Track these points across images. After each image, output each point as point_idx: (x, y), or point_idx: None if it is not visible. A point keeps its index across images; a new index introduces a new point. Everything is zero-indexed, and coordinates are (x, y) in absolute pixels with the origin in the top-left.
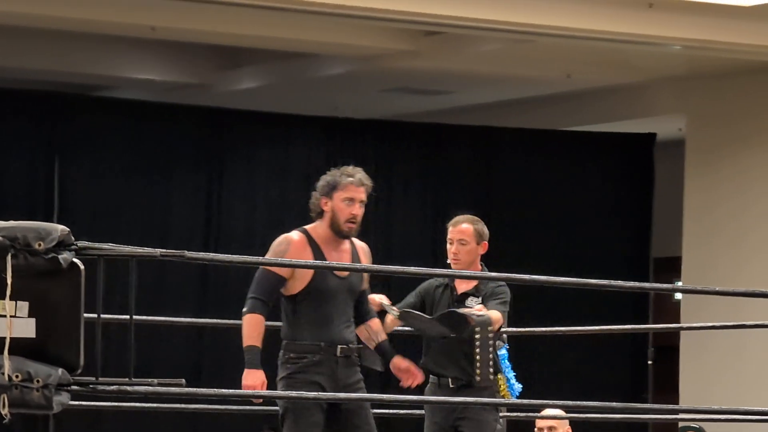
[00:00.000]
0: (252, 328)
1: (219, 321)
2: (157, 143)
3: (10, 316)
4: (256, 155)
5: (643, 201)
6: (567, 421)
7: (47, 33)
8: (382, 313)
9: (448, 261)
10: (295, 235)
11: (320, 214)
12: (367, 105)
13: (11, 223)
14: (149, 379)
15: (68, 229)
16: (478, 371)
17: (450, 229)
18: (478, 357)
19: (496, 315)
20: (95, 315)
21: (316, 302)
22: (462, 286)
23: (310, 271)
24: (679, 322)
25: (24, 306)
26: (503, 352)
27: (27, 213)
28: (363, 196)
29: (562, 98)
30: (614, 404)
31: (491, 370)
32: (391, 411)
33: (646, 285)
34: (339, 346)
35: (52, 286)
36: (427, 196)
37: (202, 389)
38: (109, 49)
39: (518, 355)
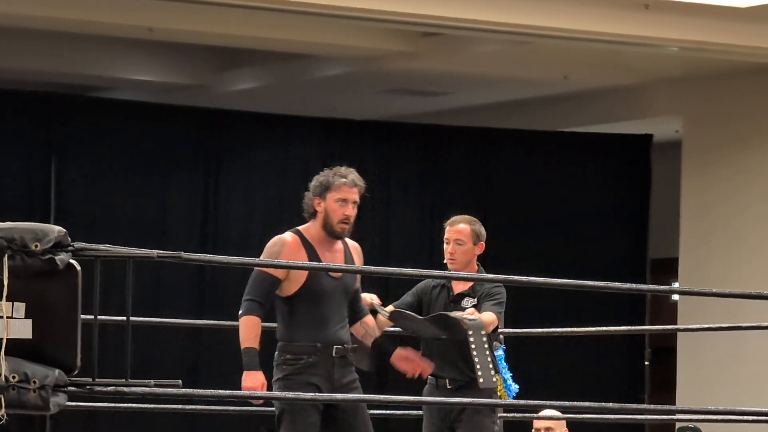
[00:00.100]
0: (249, 330)
1: (216, 322)
2: (154, 144)
3: (7, 317)
4: (253, 156)
5: (640, 202)
6: (564, 422)
7: (44, 34)
8: (373, 313)
9: (445, 261)
10: (288, 236)
11: (313, 214)
12: (365, 106)
13: (8, 224)
14: (146, 380)
15: (65, 230)
16: (479, 374)
17: (447, 228)
18: (476, 360)
19: (489, 317)
20: (92, 316)
21: (312, 303)
22: (458, 287)
23: (305, 272)
24: (676, 323)
25: (21, 307)
26: (500, 352)
27: (24, 214)
28: (356, 197)
29: (559, 99)
30: (611, 405)
31: (493, 372)
32: (387, 411)
33: (643, 286)
34: (335, 347)
35: (49, 287)
36: (425, 196)
37: (198, 390)
38: (106, 50)
39: (515, 356)
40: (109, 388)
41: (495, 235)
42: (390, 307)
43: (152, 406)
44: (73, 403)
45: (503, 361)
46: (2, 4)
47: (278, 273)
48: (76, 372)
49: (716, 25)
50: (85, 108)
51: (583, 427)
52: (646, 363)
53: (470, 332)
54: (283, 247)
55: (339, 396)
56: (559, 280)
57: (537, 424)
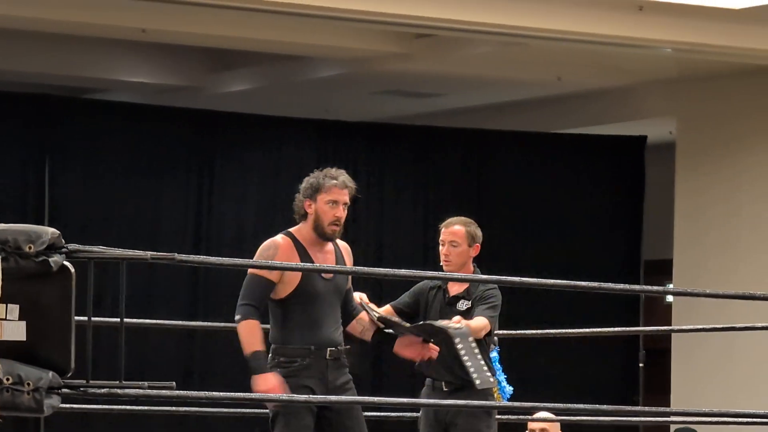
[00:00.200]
0: (251, 334)
1: (210, 324)
2: (148, 146)
3: (1, 319)
4: (247, 157)
5: (634, 203)
6: (558, 424)
7: (37, 36)
8: None
9: (441, 263)
10: (280, 238)
11: (304, 216)
12: (358, 107)
13: (2, 225)
14: (140, 382)
15: (59, 232)
16: (474, 377)
17: (442, 230)
18: (469, 365)
19: (481, 323)
20: (86, 318)
21: (305, 305)
22: (454, 289)
23: (298, 274)
24: (670, 325)
25: (14, 309)
26: (494, 354)
27: (18, 216)
28: (346, 199)
29: (552, 101)
30: (605, 407)
31: (488, 373)
32: (382, 413)
33: (637, 287)
34: (328, 349)
35: (42, 289)
36: (419, 198)
37: (192, 392)
38: (99, 51)
39: (510, 358)
40: (102, 390)
41: (488, 237)
42: (387, 307)
43: (146, 407)
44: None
45: (497, 363)
46: None
47: (272, 276)
48: (70, 374)
49: (710, 27)
50: (78, 109)
51: (578, 429)
52: (641, 365)
53: (456, 340)
54: (277, 250)
55: (333, 398)
56: (552, 281)
57: (531, 425)
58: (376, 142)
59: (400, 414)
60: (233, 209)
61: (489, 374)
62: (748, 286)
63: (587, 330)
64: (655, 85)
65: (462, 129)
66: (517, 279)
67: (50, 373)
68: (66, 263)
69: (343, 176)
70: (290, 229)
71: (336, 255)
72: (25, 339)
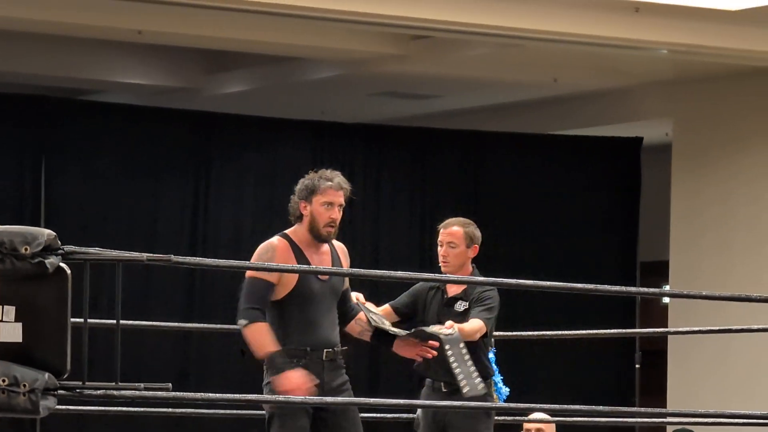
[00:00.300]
0: (262, 336)
1: (206, 325)
2: (144, 147)
3: None
4: (244, 159)
5: (630, 205)
6: (554, 425)
7: (33, 37)
8: None
9: (439, 264)
10: (276, 240)
11: (299, 218)
12: (355, 109)
13: None
14: (136, 384)
15: (54, 234)
16: (462, 384)
17: (441, 231)
18: (457, 372)
19: (476, 325)
20: (82, 319)
21: (301, 306)
22: (452, 290)
23: (295, 276)
24: (666, 326)
25: (10, 310)
26: (491, 355)
27: (14, 217)
28: (342, 200)
29: (549, 102)
30: (601, 408)
31: (477, 380)
32: (378, 415)
33: (633, 289)
34: (325, 350)
35: (38, 291)
36: (416, 199)
37: (188, 393)
38: (96, 53)
39: (506, 359)
40: (98, 392)
41: (485, 238)
42: (386, 307)
43: (142, 409)
44: (63, 407)
45: (494, 364)
46: None
47: (272, 278)
48: (65, 375)
49: (706, 28)
50: (74, 111)
51: (574, 430)
52: (637, 366)
53: (447, 346)
54: (275, 252)
55: (329, 399)
56: (548, 283)
57: (527, 426)
58: (373, 144)
59: (396, 415)
60: (230, 210)
61: (478, 381)
62: (744, 287)
63: (584, 331)
64: (652, 86)
65: (459, 130)
66: (513, 281)
67: (46, 375)
68: (62, 265)
69: (338, 178)
70: (286, 231)
71: (332, 256)
72: (21, 340)
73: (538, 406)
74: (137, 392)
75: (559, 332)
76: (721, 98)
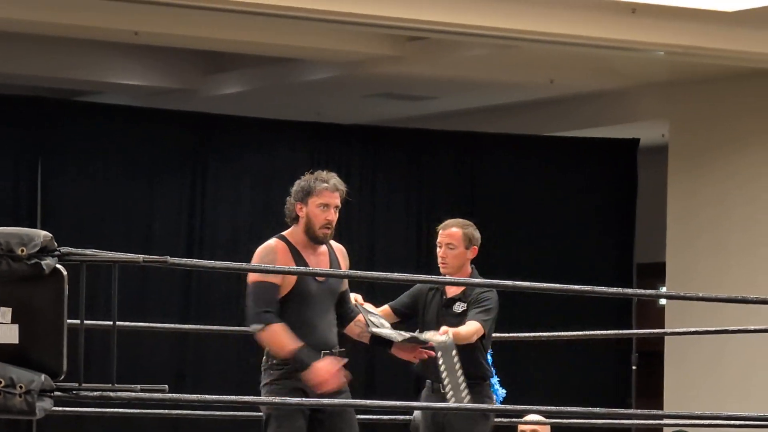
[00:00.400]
0: (282, 336)
1: (202, 327)
2: (141, 148)
3: None
4: (240, 160)
5: (627, 206)
6: (549, 426)
7: (30, 38)
8: None
9: (438, 265)
10: (274, 242)
11: (295, 219)
12: (351, 110)
13: None
14: (132, 385)
15: (51, 235)
16: (449, 394)
17: (439, 232)
18: (446, 381)
19: (472, 327)
20: (78, 321)
21: (299, 307)
22: (451, 291)
23: (294, 277)
24: (663, 328)
25: (7, 312)
26: (487, 357)
27: (10, 218)
28: (337, 202)
29: (545, 104)
30: (597, 409)
31: (464, 393)
32: (375, 416)
33: (629, 290)
34: (322, 351)
35: (35, 292)
36: (412, 200)
37: (185, 395)
38: (93, 54)
39: (502, 361)
40: (95, 393)
41: (481, 239)
42: (385, 307)
43: (138, 411)
44: (59, 408)
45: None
46: None
47: (276, 279)
48: (62, 377)
49: (703, 30)
50: (71, 112)
51: (569, 431)
52: (633, 367)
53: (438, 354)
54: (276, 254)
55: (326, 401)
56: (545, 285)
57: (522, 427)
58: (369, 145)
59: (393, 417)
60: (227, 212)
61: (465, 394)
62: (740, 288)
63: (580, 333)
64: (648, 88)
65: (455, 132)
66: (509, 282)
67: (42, 376)
68: (58, 266)
69: (334, 179)
70: (283, 233)
71: (330, 257)
72: (17, 342)
73: (534, 407)
74: (134, 394)
75: (556, 333)
76: (718, 99)
